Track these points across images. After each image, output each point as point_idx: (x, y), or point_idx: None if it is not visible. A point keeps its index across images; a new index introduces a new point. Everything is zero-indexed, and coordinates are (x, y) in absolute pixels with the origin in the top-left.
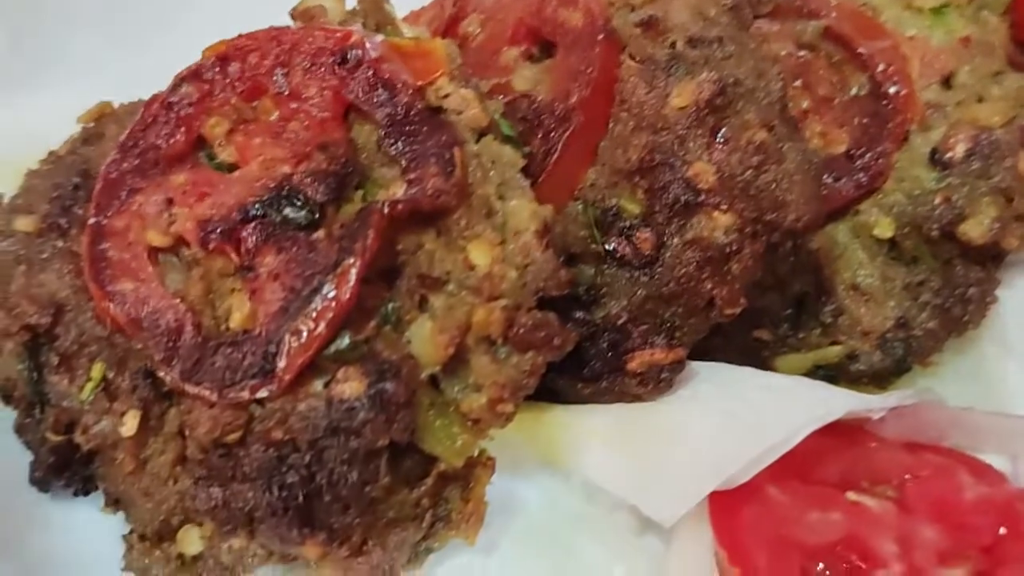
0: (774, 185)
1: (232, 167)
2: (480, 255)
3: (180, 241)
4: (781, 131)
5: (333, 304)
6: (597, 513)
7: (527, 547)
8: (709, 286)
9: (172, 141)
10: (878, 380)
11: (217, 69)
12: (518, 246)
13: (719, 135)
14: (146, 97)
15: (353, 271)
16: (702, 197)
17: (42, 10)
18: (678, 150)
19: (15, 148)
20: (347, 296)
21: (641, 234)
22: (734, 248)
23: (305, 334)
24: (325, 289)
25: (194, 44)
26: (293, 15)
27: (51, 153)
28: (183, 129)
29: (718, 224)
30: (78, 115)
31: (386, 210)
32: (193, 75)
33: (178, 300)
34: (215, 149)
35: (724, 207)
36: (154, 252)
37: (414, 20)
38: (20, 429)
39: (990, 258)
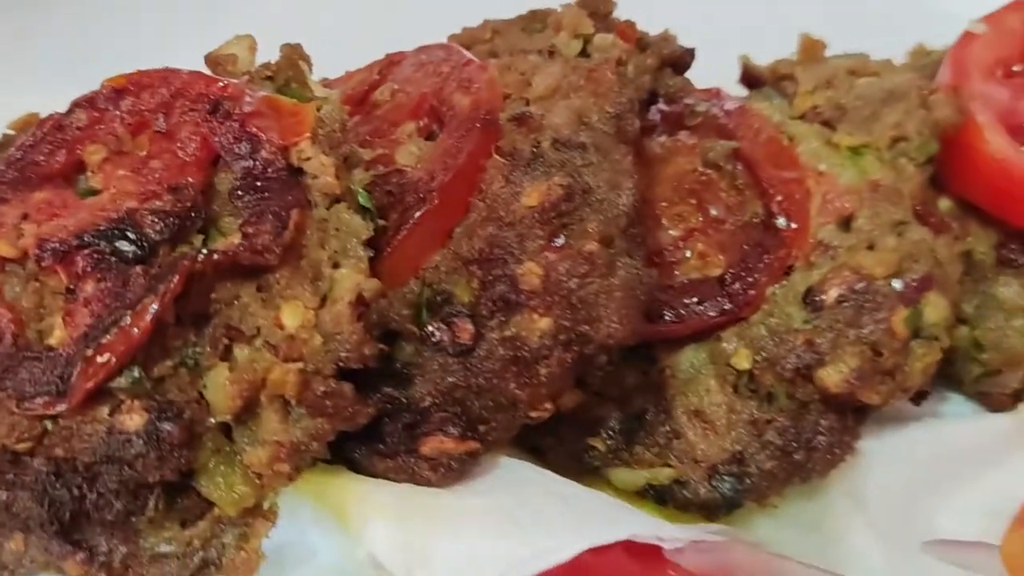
0: (595, 298)
1: (95, 193)
2: (291, 316)
3: (25, 255)
4: (620, 245)
5: (125, 337)
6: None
7: None
8: (514, 386)
9: (52, 160)
10: (707, 512)
11: (111, 100)
12: (331, 314)
13: (556, 240)
14: None
15: (151, 308)
16: (524, 297)
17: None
18: (515, 247)
19: None
20: (138, 332)
21: (461, 323)
22: (544, 353)
23: (95, 360)
24: (123, 322)
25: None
26: (206, 60)
27: None
28: (64, 151)
29: (535, 327)
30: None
31: (200, 258)
32: (88, 102)
33: (6, 309)
34: (88, 175)
35: (542, 311)
36: (1, 261)
37: (345, 80)
38: None
39: (851, 410)
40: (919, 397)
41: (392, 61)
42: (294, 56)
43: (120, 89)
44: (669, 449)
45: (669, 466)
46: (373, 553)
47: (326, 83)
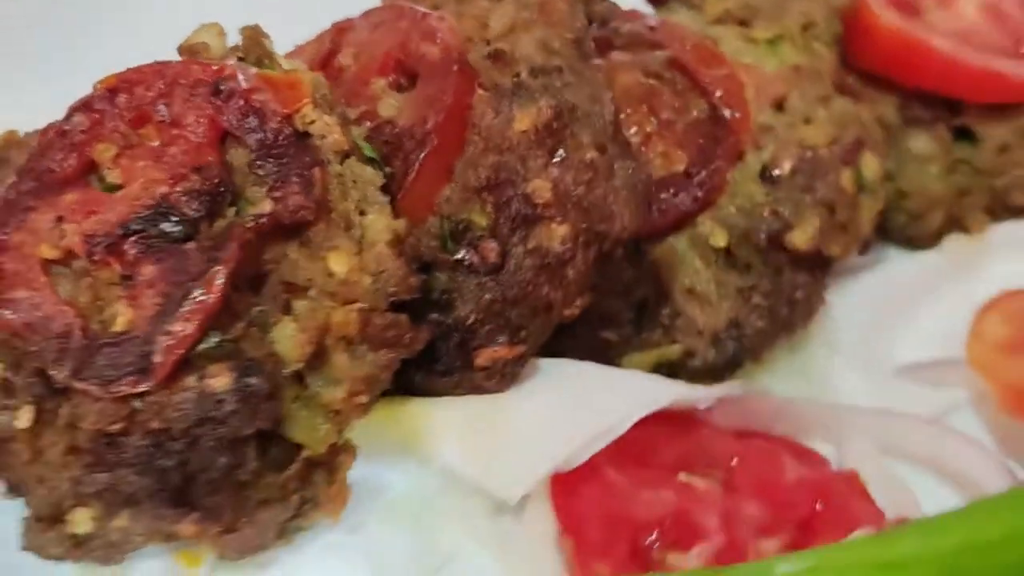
0: (603, 199)
1: (118, 188)
2: (338, 264)
3: (70, 254)
4: (612, 151)
5: (201, 307)
6: (455, 497)
7: (390, 527)
8: (547, 290)
9: (65, 165)
10: (714, 375)
11: (107, 100)
12: (373, 255)
13: (556, 155)
14: None
15: (219, 277)
16: (540, 211)
17: None
18: (520, 169)
19: None
20: (213, 299)
21: (487, 245)
22: (569, 256)
23: (177, 334)
24: (194, 294)
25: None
26: (179, 50)
27: None
28: (75, 154)
29: (555, 235)
30: None
31: (249, 224)
32: (85, 106)
33: (68, 306)
34: (104, 172)
35: (560, 219)
36: (47, 264)
37: (296, 55)
38: None
39: (817, 265)
40: (865, 248)
41: (341, 29)
42: (257, 36)
43: (113, 88)
44: (673, 328)
45: (676, 342)
46: (447, 465)
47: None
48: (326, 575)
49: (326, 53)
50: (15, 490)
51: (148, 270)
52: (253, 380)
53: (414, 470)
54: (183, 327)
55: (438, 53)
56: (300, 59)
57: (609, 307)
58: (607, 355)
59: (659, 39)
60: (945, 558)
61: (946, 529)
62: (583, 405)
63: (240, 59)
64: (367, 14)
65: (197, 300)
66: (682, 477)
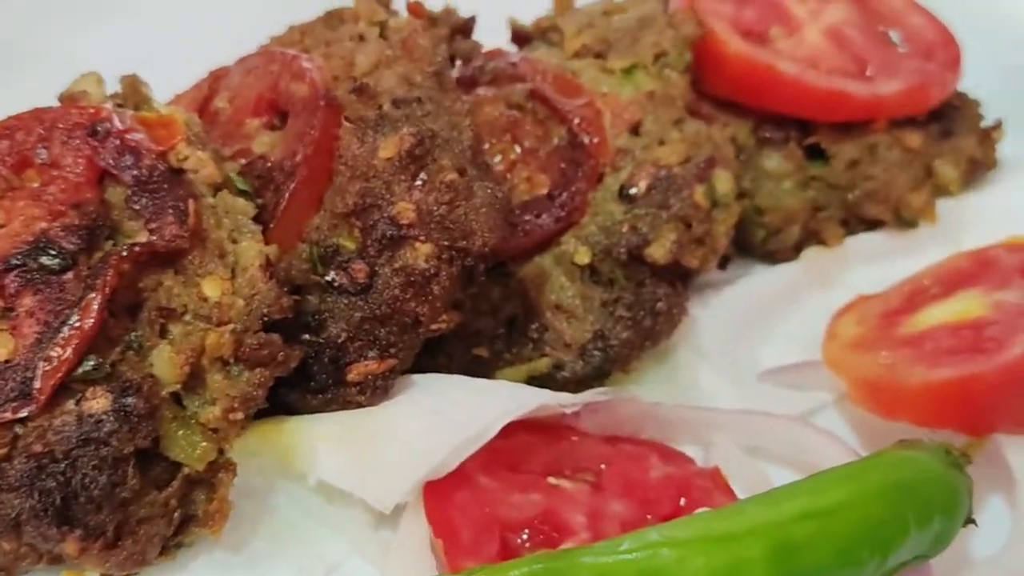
0: (463, 217)
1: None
2: (212, 288)
3: None
4: (472, 173)
5: (78, 332)
6: (336, 511)
7: (274, 543)
8: (414, 305)
9: None
10: (583, 386)
11: None
12: (245, 279)
13: (418, 179)
14: None
15: (95, 303)
16: (404, 231)
17: None
18: (385, 194)
19: None
20: (90, 324)
21: (356, 266)
22: (433, 272)
23: (55, 359)
24: (72, 320)
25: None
26: (60, 99)
27: None
28: None
29: (420, 253)
30: None
31: (125, 252)
32: None
33: None
34: None
35: (423, 238)
36: None
37: (175, 103)
38: None
39: (677, 277)
40: (724, 262)
41: (217, 76)
42: (135, 84)
43: None
44: (542, 342)
45: (545, 355)
46: (324, 479)
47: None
48: None
49: (203, 99)
50: None
51: (28, 301)
52: (130, 400)
53: (295, 488)
54: (61, 352)
55: (306, 90)
56: (181, 104)
57: (480, 325)
58: (480, 371)
59: (521, 73)
60: (782, 527)
61: (784, 500)
62: (452, 414)
63: (119, 106)
64: (242, 60)
65: (74, 326)
66: (551, 480)
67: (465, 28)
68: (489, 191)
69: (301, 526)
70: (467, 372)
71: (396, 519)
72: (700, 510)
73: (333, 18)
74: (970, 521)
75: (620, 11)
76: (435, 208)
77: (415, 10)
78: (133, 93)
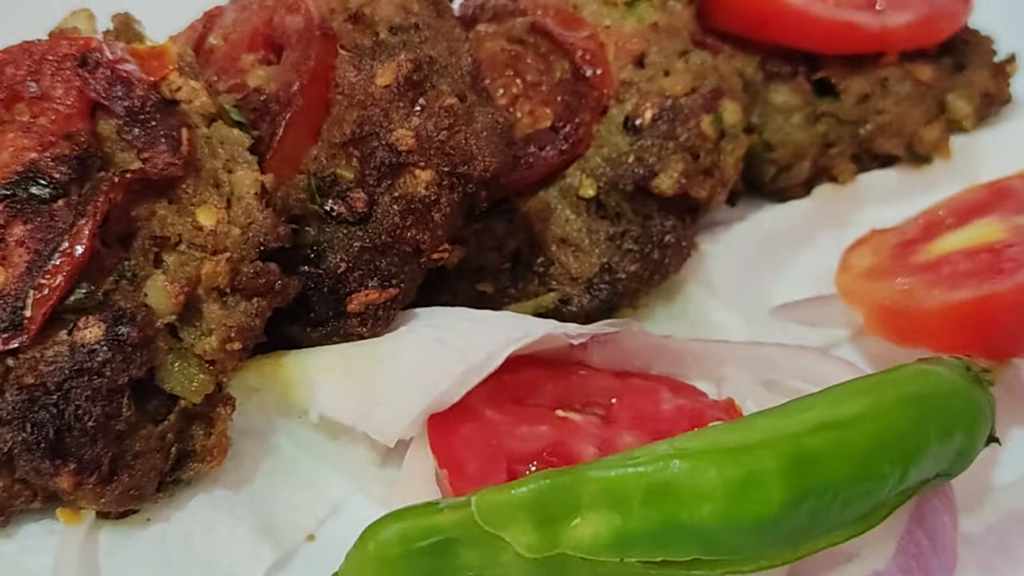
0: (464, 142)
1: None
2: (207, 217)
3: None
4: (471, 98)
5: (68, 259)
6: (338, 448)
7: (275, 481)
8: (414, 233)
9: None
10: (590, 321)
11: None
12: (241, 208)
13: (416, 105)
14: None
15: (86, 229)
16: (403, 158)
17: None
18: (383, 121)
19: None
20: (80, 251)
21: (355, 195)
22: (433, 199)
23: (46, 287)
24: (62, 247)
25: None
26: (50, 36)
27: None
28: None
29: (419, 180)
30: None
31: (116, 179)
32: None
33: None
34: None
35: (423, 165)
36: None
37: (174, 41)
38: None
39: (685, 210)
40: (734, 199)
41: (212, 15)
42: (127, 21)
43: None
44: (549, 276)
45: (552, 290)
46: (325, 413)
47: None
48: (211, 529)
49: (199, 36)
50: None
51: (17, 230)
52: (124, 329)
53: (296, 425)
54: (51, 280)
55: (300, 22)
56: (171, 42)
57: (484, 260)
58: (486, 307)
59: (522, 8)
60: (797, 438)
61: (799, 412)
62: (456, 344)
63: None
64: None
65: (64, 252)
66: (560, 413)
67: None
68: (490, 116)
69: (303, 464)
70: (472, 307)
71: (400, 457)
72: (712, 424)
73: None
74: (993, 439)
75: None
76: (434, 134)
77: None
78: (125, 31)
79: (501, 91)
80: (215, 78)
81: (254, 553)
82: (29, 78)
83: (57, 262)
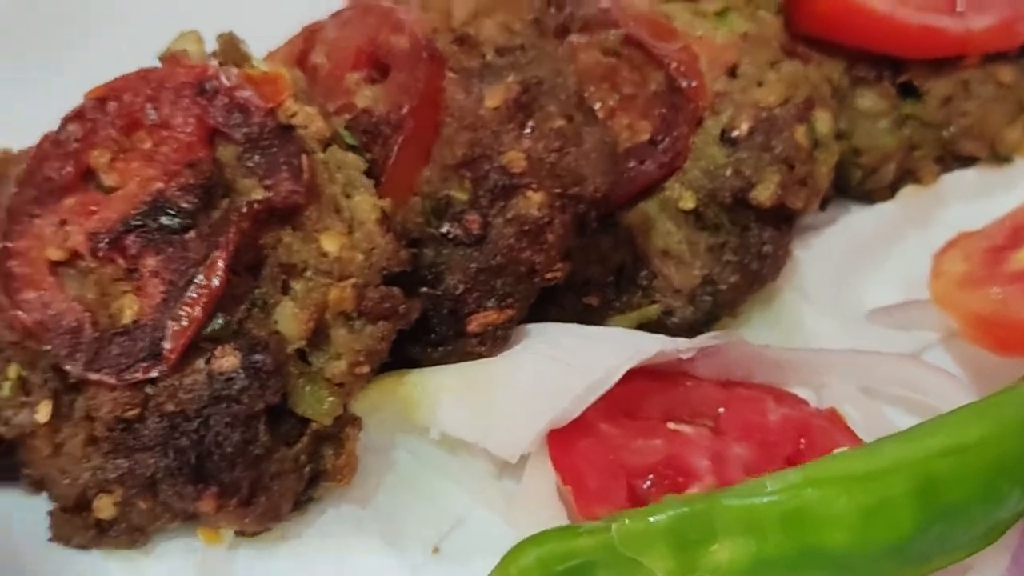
0: (574, 164)
1: (116, 190)
2: (331, 244)
3: (75, 255)
4: (578, 119)
5: (206, 291)
6: (456, 462)
7: (400, 495)
8: (529, 254)
9: (63, 173)
10: (692, 331)
11: (98, 108)
12: (363, 233)
13: (526, 127)
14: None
15: (220, 261)
16: (516, 180)
17: None
18: (494, 143)
19: None
20: (217, 283)
21: (469, 217)
22: (546, 220)
23: (184, 318)
24: (198, 279)
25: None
26: (161, 59)
27: None
28: (71, 162)
29: (532, 202)
30: None
31: (245, 209)
32: (77, 115)
33: (76, 303)
34: (101, 176)
35: (535, 187)
36: (53, 266)
37: (270, 59)
38: None
39: (782, 219)
40: (824, 203)
41: (311, 31)
42: (232, 41)
43: (103, 97)
44: (652, 288)
45: (655, 302)
46: (448, 430)
47: None
48: (341, 545)
49: (299, 54)
50: (38, 485)
51: (151, 262)
52: (259, 357)
53: (416, 441)
54: (190, 311)
55: (407, 43)
56: (274, 61)
57: (590, 274)
58: (591, 320)
59: (613, 18)
60: (924, 463)
61: (923, 437)
62: (572, 362)
63: (221, 64)
64: (336, 15)
65: (201, 285)
66: (671, 426)
67: None
68: (597, 136)
69: (424, 479)
70: (578, 321)
71: (516, 469)
72: (838, 450)
73: None
74: None
75: None
76: (545, 156)
77: None
78: (231, 51)
79: (599, 104)
80: (322, 98)
81: (383, 565)
82: (148, 105)
83: (194, 294)
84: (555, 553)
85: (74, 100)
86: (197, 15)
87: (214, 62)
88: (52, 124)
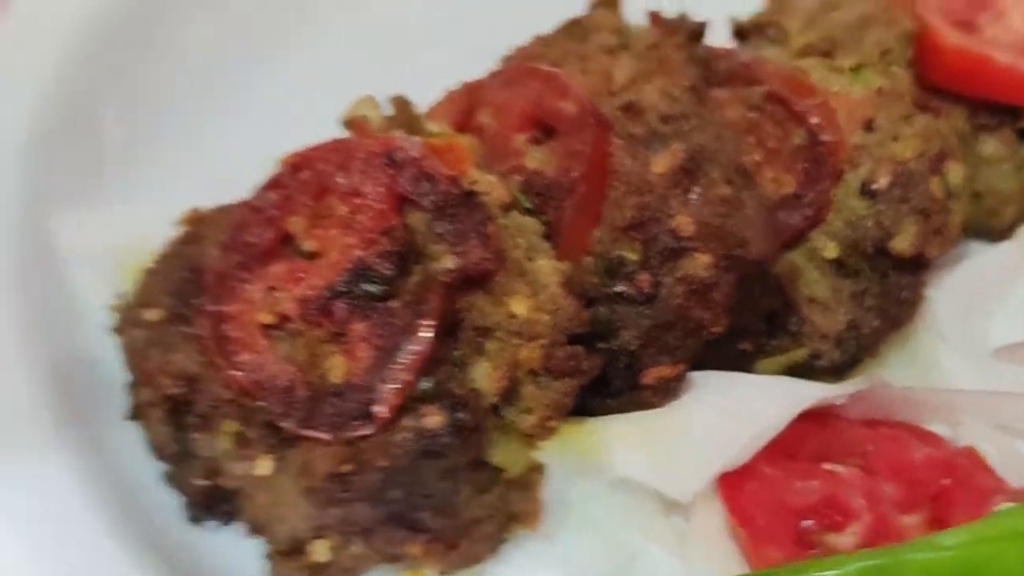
0: (737, 228)
1: (314, 255)
2: (519, 307)
3: (284, 318)
4: (738, 183)
5: (415, 357)
6: (631, 502)
7: (580, 534)
8: (698, 312)
9: (264, 238)
10: (837, 373)
11: (291, 176)
12: (547, 296)
13: (692, 192)
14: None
15: (428, 329)
16: (684, 243)
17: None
18: (662, 207)
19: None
20: (425, 348)
21: (641, 277)
22: (713, 281)
23: (397, 381)
24: (408, 346)
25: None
26: (345, 124)
27: (159, 254)
28: (271, 228)
29: (699, 263)
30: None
31: (444, 278)
32: (273, 183)
33: (288, 364)
34: (300, 241)
35: (702, 250)
36: (264, 328)
37: (431, 116)
38: (169, 478)
39: (918, 266)
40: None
41: (471, 89)
42: (404, 104)
43: (296, 165)
44: (800, 333)
45: (803, 346)
46: (624, 474)
47: None
48: None
49: (463, 113)
50: (257, 530)
51: (359, 327)
52: (461, 415)
53: (593, 484)
54: (402, 376)
55: (574, 109)
56: (440, 120)
57: (744, 321)
58: (744, 363)
59: (753, 73)
60: None
61: None
62: (739, 411)
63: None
64: (496, 75)
65: (411, 351)
66: (826, 466)
67: (698, 33)
68: (756, 200)
69: (603, 518)
70: (731, 364)
71: (681, 508)
72: (1001, 507)
73: (575, 29)
74: None
75: (837, 7)
76: (711, 220)
77: (655, 19)
78: (404, 114)
79: (745, 158)
80: (491, 158)
81: None
82: (339, 173)
83: (405, 360)
84: None
85: (244, 158)
86: (357, 74)
87: (398, 132)
88: (225, 182)
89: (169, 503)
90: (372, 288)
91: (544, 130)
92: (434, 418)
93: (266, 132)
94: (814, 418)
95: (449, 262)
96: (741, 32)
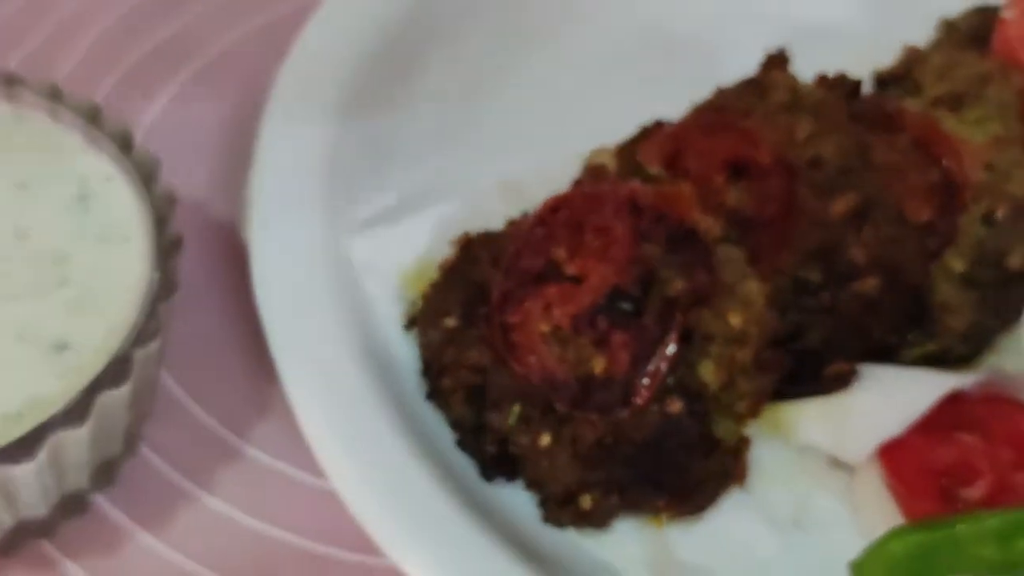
0: (899, 259)
1: (577, 279)
2: (735, 319)
3: (557, 328)
4: (896, 220)
5: (665, 360)
6: (811, 463)
7: (771, 487)
8: (868, 321)
9: (534, 265)
10: (962, 362)
11: (553, 215)
12: (755, 312)
13: (862, 230)
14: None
15: (673, 340)
16: (859, 270)
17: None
18: (840, 240)
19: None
20: (672, 355)
21: (823, 294)
22: (880, 297)
23: (649, 378)
24: (659, 352)
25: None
26: (586, 169)
27: (442, 271)
28: (541, 256)
29: (869, 285)
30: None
31: (682, 299)
32: (539, 220)
33: (563, 364)
34: (563, 267)
35: (872, 274)
36: (543, 335)
37: (643, 156)
38: (463, 445)
39: None
40: None
41: (675, 136)
42: (631, 153)
43: (555, 206)
44: (934, 332)
45: (936, 341)
46: (809, 442)
47: None
48: (734, 521)
49: (670, 157)
50: (534, 485)
51: (618, 337)
52: (697, 404)
53: (782, 449)
54: (653, 373)
55: (768, 159)
56: (651, 161)
57: (895, 322)
58: (889, 353)
59: (898, 122)
60: None
61: None
62: (898, 395)
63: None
64: (695, 123)
65: (662, 356)
66: (956, 436)
67: (856, 90)
68: (909, 233)
69: (788, 474)
70: (880, 354)
71: (849, 470)
72: None
73: (755, 86)
74: None
75: (961, 64)
76: (879, 252)
77: (823, 80)
78: (630, 160)
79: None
80: (697, 195)
81: (759, 532)
82: (592, 215)
83: (657, 365)
84: (921, 542)
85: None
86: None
87: (634, 181)
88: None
89: (467, 463)
90: (625, 305)
91: (738, 173)
92: (675, 404)
93: (497, 156)
94: (947, 398)
95: (680, 285)
96: (882, 81)
